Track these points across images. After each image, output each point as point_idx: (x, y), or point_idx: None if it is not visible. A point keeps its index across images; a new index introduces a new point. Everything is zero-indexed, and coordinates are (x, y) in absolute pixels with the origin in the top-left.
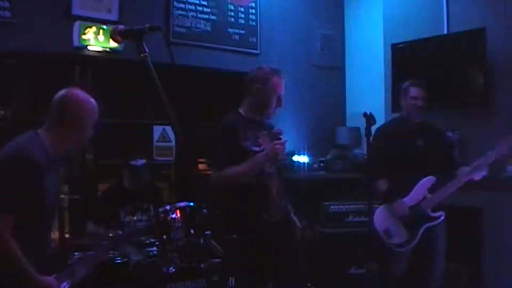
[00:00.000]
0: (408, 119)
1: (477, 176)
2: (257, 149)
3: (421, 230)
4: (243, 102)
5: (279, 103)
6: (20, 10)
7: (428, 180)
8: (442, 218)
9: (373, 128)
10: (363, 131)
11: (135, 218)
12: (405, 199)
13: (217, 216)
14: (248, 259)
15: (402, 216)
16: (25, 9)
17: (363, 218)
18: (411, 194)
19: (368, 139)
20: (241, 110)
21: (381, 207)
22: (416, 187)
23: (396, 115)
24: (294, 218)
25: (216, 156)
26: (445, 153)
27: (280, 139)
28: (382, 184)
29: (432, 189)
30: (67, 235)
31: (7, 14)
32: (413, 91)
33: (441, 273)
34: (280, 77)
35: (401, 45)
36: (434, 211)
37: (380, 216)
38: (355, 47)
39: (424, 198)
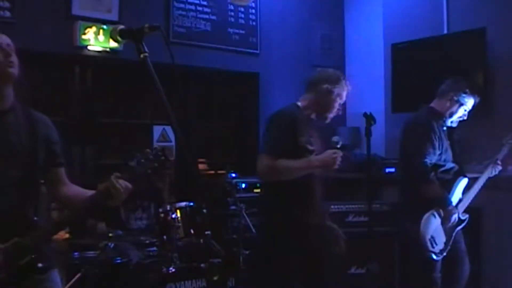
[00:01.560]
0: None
1: (495, 172)
2: (310, 147)
3: (454, 234)
4: (302, 97)
5: (339, 110)
6: (20, 10)
7: (463, 181)
8: (467, 220)
9: (373, 128)
10: (363, 131)
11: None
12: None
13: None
14: (282, 259)
15: (452, 222)
16: (25, 9)
17: (363, 218)
18: (452, 197)
19: (368, 139)
20: (299, 104)
21: (428, 213)
22: (455, 189)
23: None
24: (331, 223)
25: (271, 142)
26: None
27: (338, 148)
28: (437, 188)
29: (464, 190)
30: (67, 235)
31: (7, 14)
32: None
33: (468, 274)
34: (347, 84)
35: (401, 45)
36: (461, 214)
37: (427, 224)
38: (355, 47)
39: (460, 200)
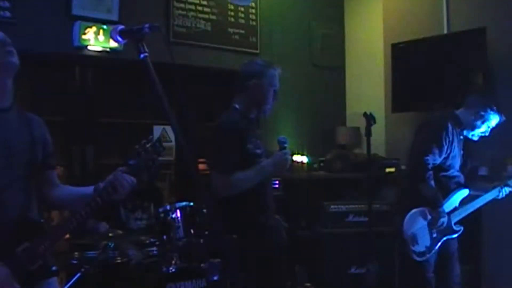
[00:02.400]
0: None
1: (503, 195)
2: (258, 151)
3: (441, 241)
4: (236, 98)
5: (275, 97)
6: (20, 10)
7: (463, 192)
8: (461, 232)
9: (373, 128)
10: (363, 131)
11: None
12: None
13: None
14: (247, 262)
15: (439, 226)
16: (25, 9)
17: (363, 218)
18: (447, 203)
19: (368, 139)
20: (237, 107)
21: (416, 210)
22: (453, 197)
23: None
24: (278, 218)
25: (222, 160)
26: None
27: (285, 148)
28: (431, 188)
29: (462, 202)
30: (67, 235)
31: (7, 14)
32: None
33: (459, 276)
34: (275, 69)
35: (401, 45)
36: (456, 224)
37: (412, 220)
38: (355, 47)
39: (455, 209)
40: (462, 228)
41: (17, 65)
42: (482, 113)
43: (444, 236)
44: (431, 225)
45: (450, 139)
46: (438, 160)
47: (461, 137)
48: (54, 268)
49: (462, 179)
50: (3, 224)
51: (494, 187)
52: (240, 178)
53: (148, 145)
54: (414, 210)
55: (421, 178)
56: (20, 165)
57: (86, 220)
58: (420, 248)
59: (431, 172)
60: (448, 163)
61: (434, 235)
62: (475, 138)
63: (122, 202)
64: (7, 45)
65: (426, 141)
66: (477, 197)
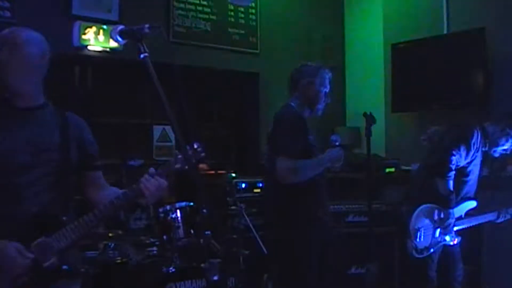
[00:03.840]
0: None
1: (502, 219)
2: (316, 145)
3: (440, 245)
4: (292, 97)
5: (326, 98)
6: (20, 10)
7: (471, 203)
8: (457, 242)
9: (373, 128)
10: (363, 131)
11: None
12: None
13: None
14: (302, 256)
15: (446, 226)
16: (25, 9)
17: (363, 218)
18: (456, 208)
19: (368, 139)
20: (292, 104)
21: (428, 206)
22: (462, 204)
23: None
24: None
25: (288, 144)
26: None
27: (338, 146)
28: (448, 188)
29: (468, 213)
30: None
31: (7, 14)
32: None
33: (462, 275)
34: (328, 72)
35: (401, 45)
36: (454, 233)
37: (422, 215)
38: (355, 47)
39: (460, 218)
40: (460, 238)
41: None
42: (509, 130)
43: (442, 242)
44: (437, 224)
45: (477, 146)
46: (462, 163)
47: (484, 149)
48: (65, 267)
49: (474, 189)
50: (23, 219)
51: (494, 211)
52: (305, 165)
53: (189, 151)
54: (425, 205)
55: (442, 175)
56: (47, 163)
57: (101, 219)
58: (420, 245)
59: (453, 172)
60: (469, 169)
61: (436, 237)
62: (496, 155)
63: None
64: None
65: (456, 141)
66: (479, 213)
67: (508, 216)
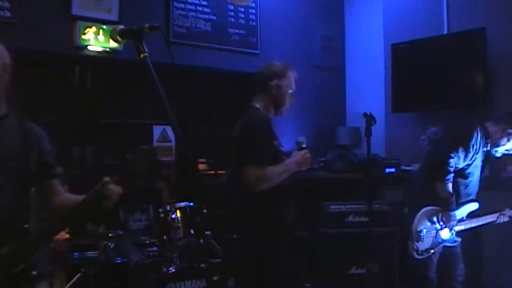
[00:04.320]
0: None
1: (501, 221)
2: (282, 149)
3: (441, 246)
4: (256, 99)
5: (292, 99)
6: (20, 10)
7: (473, 205)
8: (458, 243)
9: (373, 128)
10: (363, 131)
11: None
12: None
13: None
14: (271, 260)
15: (447, 228)
16: (25, 9)
17: (363, 218)
18: (458, 210)
19: (368, 139)
20: (257, 106)
21: (430, 208)
22: (463, 207)
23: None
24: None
25: (257, 153)
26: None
27: (304, 148)
28: (448, 190)
29: (469, 215)
30: (67, 235)
31: (7, 14)
32: None
33: (462, 275)
34: (293, 72)
35: (401, 45)
36: (455, 235)
37: (424, 217)
38: (355, 47)
39: (461, 220)
40: (460, 240)
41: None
42: (510, 130)
43: (442, 243)
44: (439, 226)
45: (477, 147)
46: (461, 165)
47: (485, 149)
48: (35, 273)
49: (476, 190)
50: None
51: (494, 212)
52: (272, 172)
53: (142, 155)
54: (428, 208)
55: (440, 178)
56: (10, 172)
57: (66, 226)
58: (422, 246)
59: (452, 174)
60: (468, 170)
61: (437, 238)
62: (498, 155)
63: (121, 203)
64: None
65: (454, 143)
66: (481, 215)
67: (507, 218)
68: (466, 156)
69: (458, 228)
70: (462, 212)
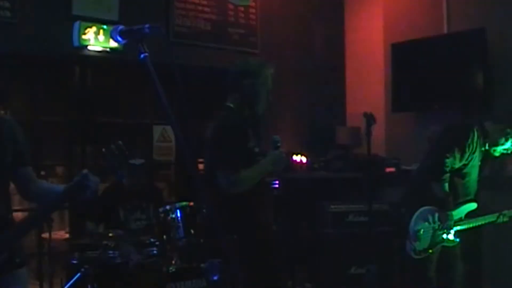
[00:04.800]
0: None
1: (501, 220)
2: (257, 150)
3: (439, 246)
4: (230, 97)
5: (268, 97)
6: (20, 10)
7: (471, 205)
8: (457, 243)
9: (373, 128)
10: (363, 131)
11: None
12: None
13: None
14: (250, 261)
15: (445, 228)
16: (25, 9)
17: (363, 218)
18: (456, 211)
19: (368, 139)
20: (231, 106)
21: (427, 208)
22: (462, 207)
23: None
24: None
25: (229, 158)
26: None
27: (278, 147)
28: (444, 190)
29: (468, 215)
30: (67, 235)
31: (7, 14)
32: None
33: (462, 275)
34: (269, 69)
35: (401, 45)
36: (454, 235)
37: (421, 217)
38: (355, 47)
39: (460, 220)
40: (458, 240)
41: None
42: (509, 130)
43: (441, 243)
44: (436, 226)
45: (473, 148)
46: (457, 165)
47: (483, 148)
48: (18, 260)
49: (474, 190)
50: None
51: (494, 213)
52: (246, 176)
53: (113, 148)
54: (424, 208)
55: (436, 178)
56: None
57: (47, 216)
58: (420, 246)
59: (448, 174)
60: (465, 170)
61: (435, 238)
62: (497, 154)
63: (121, 203)
64: None
65: (450, 144)
66: (480, 215)
67: (507, 218)
68: (462, 156)
69: (456, 228)
70: (460, 212)
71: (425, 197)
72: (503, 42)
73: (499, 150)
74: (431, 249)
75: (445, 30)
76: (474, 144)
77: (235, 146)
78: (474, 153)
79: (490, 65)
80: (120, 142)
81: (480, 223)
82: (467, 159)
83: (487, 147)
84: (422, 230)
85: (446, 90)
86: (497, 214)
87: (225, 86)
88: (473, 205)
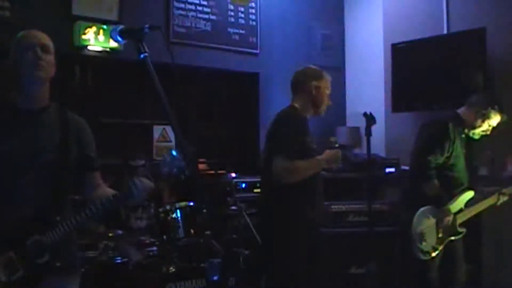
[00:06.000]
0: (462, 131)
1: (501, 201)
2: (314, 146)
3: (446, 242)
4: (295, 99)
5: (330, 100)
6: (20, 10)
7: (469, 194)
8: (463, 234)
9: (373, 128)
10: (363, 131)
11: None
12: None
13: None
14: (296, 255)
15: (445, 224)
16: (25, 9)
17: (363, 218)
18: (453, 204)
19: (368, 139)
20: (296, 106)
21: (425, 208)
22: (460, 197)
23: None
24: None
25: (286, 144)
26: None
27: (336, 147)
28: (435, 186)
29: (467, 204)
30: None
31: (7, 14)
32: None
33: (464, 275)
34: (328, 74)
35: (401, 45)
36: (460, 225)
37: (421, 218)
38: (355, 47)
39: (460, 211)
40: (465, 230)
41: (43, 78)
42: (484, 111)
43: (449, 236)
44: (438, 224)
45: (452, 138)
46: (441, 160)
47: (463, 135)
48: (58, 264)
49: (466, 179)
50: (19, 219)
51: (493, 193)
52: (301, 166)
53: (177, 156)
54: (423, 208)
55: (424, 178)
56: (45, 165)
57: (91, 219)
58: (426, 247)
59: (434, 171)
60: (451, 162)
61: (440, 235)
62: (476, 137)
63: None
64: (39, 58)
65: (428, 142)
66: (480, 199)
67: (507, 197)
68: (442, 150)
69: (460, 219)
70: (458, 203)
71: (419, 198)
72: (503, 42)
73: (477, 133)
74: (439, 246)
75: (445, 30)
76: (451, 135)
77: (292, 136)
78: (454, 143)
79: (490, 65)
80: (173, 150)
81: (482, 208)
82: (448, 151)
83: (466, 133)
84: (425, 230)
85: (446, 90)
86: (496, 195)
87: (292, 87)
88: (469, 194)
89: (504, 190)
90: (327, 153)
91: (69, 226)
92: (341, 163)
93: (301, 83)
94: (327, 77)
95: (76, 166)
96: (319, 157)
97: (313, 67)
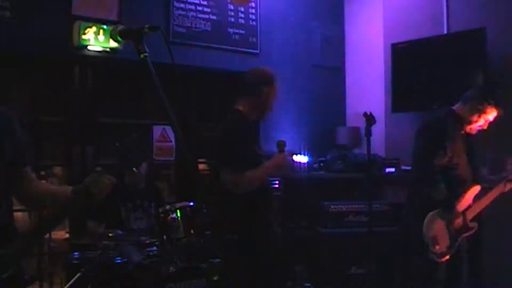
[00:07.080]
0: (460, 128)
1: (508, 188)
2: (260, 153)
3: (459, 240)
4: (241, 100)
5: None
6: (20, 10)
7: (476, 189)
8: (476, 229)
9: (373, 128)
10: (363, 131)
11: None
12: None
13: (218, 217)
14: (255, 262)
15: (457, 227)
16: (25, 9)
17: (363, 218)
18: (462, 202)
19: (368, 139)
20: (240, 109)
21: (434, 212)
22: (466, 194)
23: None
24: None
25: (233, 158)
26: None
27: (283, 150)
28: (442, 191)
29: (475, 198)
30: (67, 235)
31: (7, 14)
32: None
33: (465, 274)
34: (277, 79)
35: (401, 45)
36: (471, 220)
37: (431, 222)
38: (355, 47)
39: (469, 207)
40: (476, 225)
41: None
42: (479, 106)
43: (461, 234)
44: (448, 225)
45: (451, 137)
46: (443, 161)
47: (462, 131)
48: (25, 277)
49: (469, 175)
50: None
51: (499, 182)
52: (251, 176)
53: (129, 145)
54: (431, 213)
55: (429, 184)
56: None
57: (60, 222)
58: (441, 248)
59: (439, 176)
60: (454, 161)
61: (453, 235)
62: (473, 132)
63: (123, 202)
64: None
65: (429, 146)
66: (488, 191)
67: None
68: (445, 151)
69: (470, 214)
70: (466, 200)
71: (427, 203)
72: (503, 42)
73: (474, 128)
74: (453, 244)
75: (445, 30)
76: (451, 134)
77: (241, 148)
78: (455, 141)
79: (490, 65)
80: (134, 135)
81: (490, 200)
82: (450, 149)
83: (464, 129)
84: (437, 233)
85: (446, 90)
86: (503, 183)
87: (240, 90)
88: (476, 188)
89: (510, 177)
90: (275, 158)
91: (33, 235)
92: (290, 168)
93: (253, 86)
94: (276, 81)
95: (10, 161)
96: (266, 163)
97: (266, 69)
